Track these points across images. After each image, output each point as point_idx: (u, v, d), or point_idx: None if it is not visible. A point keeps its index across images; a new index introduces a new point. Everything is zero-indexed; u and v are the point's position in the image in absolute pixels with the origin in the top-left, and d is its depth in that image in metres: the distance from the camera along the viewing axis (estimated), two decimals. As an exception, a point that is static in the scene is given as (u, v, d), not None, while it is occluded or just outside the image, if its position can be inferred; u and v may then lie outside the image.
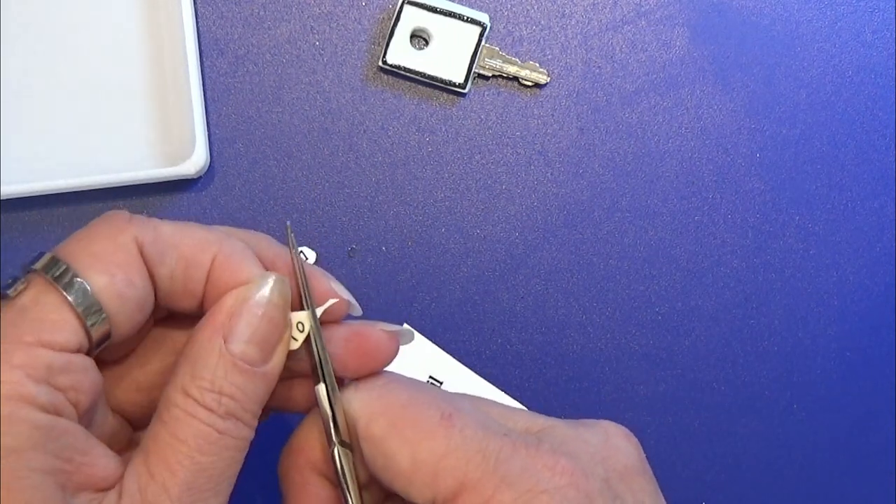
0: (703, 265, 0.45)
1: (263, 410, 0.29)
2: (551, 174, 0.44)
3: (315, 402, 0.29)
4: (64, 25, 0.43)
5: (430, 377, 0.42)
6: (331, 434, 0.29)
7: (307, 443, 0.30)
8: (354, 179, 0.44)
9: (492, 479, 0.26)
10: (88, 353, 0.27)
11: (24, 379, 0.25)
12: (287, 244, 0.31)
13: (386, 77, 0.44)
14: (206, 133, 0.43)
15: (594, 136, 0.44)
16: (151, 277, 0.29)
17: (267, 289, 0.29)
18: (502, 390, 0.43)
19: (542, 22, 0.45)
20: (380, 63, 0.43)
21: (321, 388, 0.29)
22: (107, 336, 0.28)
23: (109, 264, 0.27)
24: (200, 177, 0.43)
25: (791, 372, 0.45)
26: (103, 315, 0.27)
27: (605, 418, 0.45)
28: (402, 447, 0.27)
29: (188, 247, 0.29)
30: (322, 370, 0.29)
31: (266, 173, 0.43)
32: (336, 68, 0.44)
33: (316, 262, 0.43)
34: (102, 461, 0.27)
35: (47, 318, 0.26)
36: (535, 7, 0.45)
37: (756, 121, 0.45)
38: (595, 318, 0.44)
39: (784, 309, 0.45)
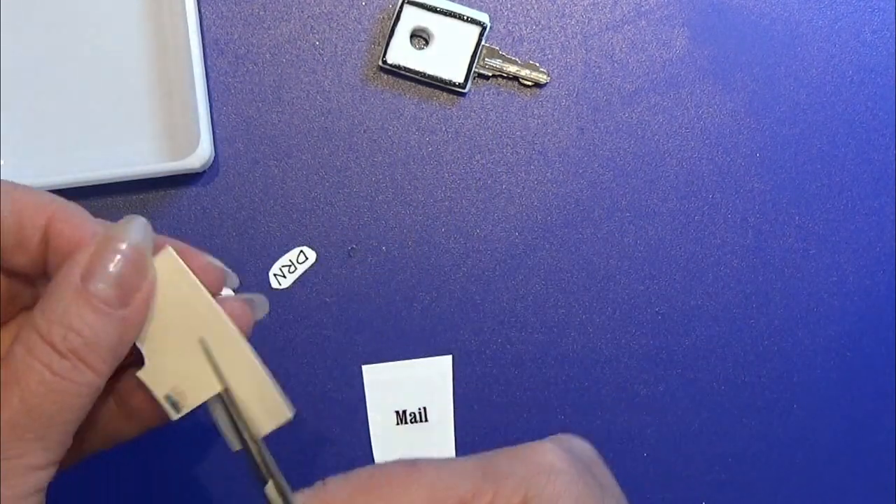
0: (703, 265, 0.45)
1: (82, 449, 0.29)
2: (551, 174, 0.44)
3: None
4: (67, 22, 0.43)
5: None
6: None
7: None
8: (354, 179, 0.44)
9: (486, 484, 0.26)
10: None
11: None
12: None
13: (386, 77, 0.44)
14: (211, 126, 0.43)
15: (594, 136, 0.44)
16: None
17: (132, 231, 0.28)
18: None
19: (542, 22, 0.45)
20: (380, 63, 0.43)
21: (270, 487, 0.27)
22: None
23: None
24: (204, 172, 0.43)
25: (791, 372, 0.45)
26: None
27: (606, 418, 0.45)
28: None
29: (21, 202, 0.28)
30: (268, 470, 0.28)
31: (266, 173, 0.43)
32: (336, 68, 0.44)
33: (316, 262, 0.43)
34: None
35: None
36: (535, 7, 0.45)
37: (756, 121, 0.45)
38: (595, 318, 0.44)
39: (784, 309, 0.45)
